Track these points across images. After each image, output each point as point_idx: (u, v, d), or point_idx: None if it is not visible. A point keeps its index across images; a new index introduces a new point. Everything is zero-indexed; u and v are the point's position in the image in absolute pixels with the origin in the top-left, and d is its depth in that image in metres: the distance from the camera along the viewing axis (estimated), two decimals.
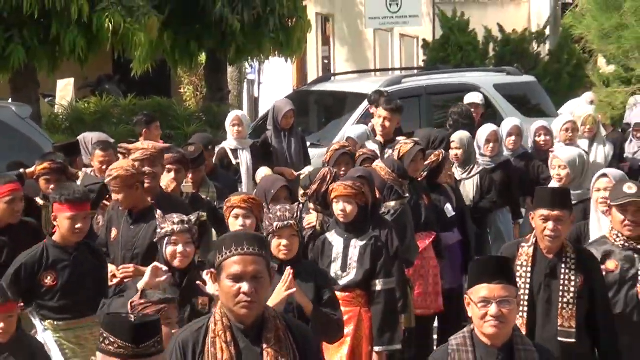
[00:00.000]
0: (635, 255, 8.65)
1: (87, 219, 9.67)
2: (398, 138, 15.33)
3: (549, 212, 8.14)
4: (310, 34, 30.96)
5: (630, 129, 17.95)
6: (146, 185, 11.26)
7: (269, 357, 5.89)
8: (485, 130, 16.06)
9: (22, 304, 9.36)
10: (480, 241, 15.26)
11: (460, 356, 6.11)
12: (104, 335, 5.08)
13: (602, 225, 10.02)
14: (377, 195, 11.78)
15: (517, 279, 6.54)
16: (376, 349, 9.96)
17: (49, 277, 9.43)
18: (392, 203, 11.99)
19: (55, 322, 9.48)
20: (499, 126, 16.89)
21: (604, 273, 8.86)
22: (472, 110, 18.40)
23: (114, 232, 10.74)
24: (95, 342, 8.80)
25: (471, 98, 18.82)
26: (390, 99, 16.33)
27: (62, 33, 22.45)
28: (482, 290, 6.03)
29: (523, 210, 16.23)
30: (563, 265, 7.83)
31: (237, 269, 5.91)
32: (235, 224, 9.66)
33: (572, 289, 8.22)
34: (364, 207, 10.32)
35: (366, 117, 18.34)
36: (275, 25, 26.14)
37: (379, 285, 10.15)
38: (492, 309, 5.94)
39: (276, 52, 27.84)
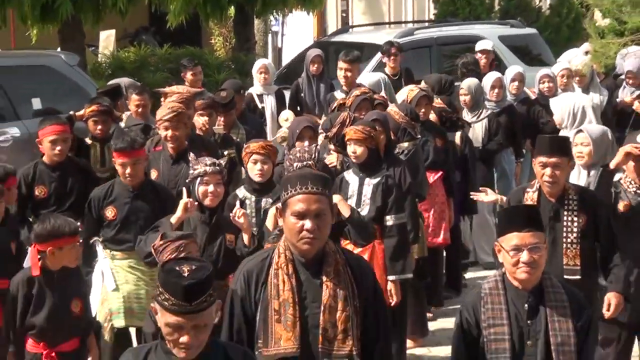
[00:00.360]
0: None
1: (138, 164, 9.72)
2: (408, 86, 14.91)
3: (547, 159, 8.18)
4: None
5: (623, 77, 17.63)
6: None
7: (328, 290, 5.92)
8: (491, 77, 16.10)
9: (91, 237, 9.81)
10: (486, 179, 15.20)
11: (493, 299, 6.10)
12: (160, 290, 5.11)
13: (581, 177, 9.91)
14: (392, 137, 11.80)
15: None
16: (390, 277, 10.01)
17: (110, 211, 9.63)
18: (405, 144, 11.97)
19: (112, 252, 9.70)
20: (503, 74, 16.90)
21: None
22: (484, 56, 18.51)
23: (154, 173, 10.77)
24: (145, 271, 9.71)
25: (482, 45, 18.82)
26: (348, 51, 16.44)
27: None
28: (513, 238, 6.00)
29: (524, 151, 16.41)
30: (565, 207, 7.84)
31: (302, 206, 5.95)
32: (254, 168, 9.78)
33: (574, 229, 8.20)
34: (374, 150, 10.34)
35: (380, 66, 18.32)
36: None
37: (390, 220, 10.23)
38: (524, 255, 5.92)
39: (299, 6, 27.49)
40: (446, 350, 10.90)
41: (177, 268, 5.26)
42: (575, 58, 17.72)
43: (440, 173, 12.99)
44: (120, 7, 22.99)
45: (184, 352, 4.98)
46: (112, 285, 9.43)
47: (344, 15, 35.86)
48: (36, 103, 15.42)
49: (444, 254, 13.71)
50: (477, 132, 15.43)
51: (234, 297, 6.12)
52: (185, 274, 5.02)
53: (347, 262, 6.06)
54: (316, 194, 5.96)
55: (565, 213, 8.32)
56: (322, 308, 5.88)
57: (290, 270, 5.92)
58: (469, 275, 15.18)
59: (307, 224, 5.85)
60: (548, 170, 8.19)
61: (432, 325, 12.52)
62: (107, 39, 27.78)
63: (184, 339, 4.91)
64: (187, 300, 4.91)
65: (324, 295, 5.87)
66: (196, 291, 4.97)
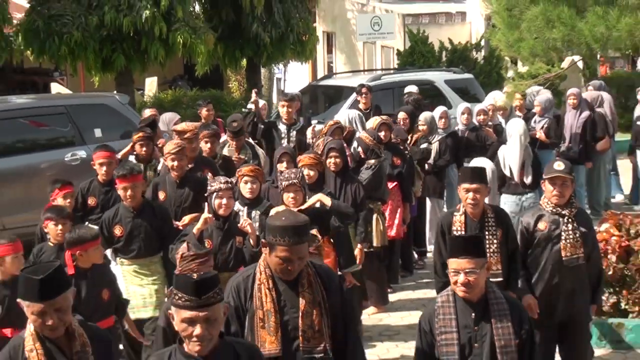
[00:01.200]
0: (560, 219, 8.45)
1: (136, 188, 9.76)
2: (380, 116, 14.65)
3: (469, 185, 8.28)
4: (318, 45, 30.84)
5: (534, 110, 17.68)
6: (190, 154, 11.48)
7: (304, 299, 5.80)
8: (438, 110, 16.25)
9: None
10: (436, 187, 15.50)
11: (444, 311, 5.98)
12: (174, 291, 5.16)
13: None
14: (362, 155, 12.34)
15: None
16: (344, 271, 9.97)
17: (117, 229, 9.75)
18: (372, 160, 12.19)
19: (121, 259, 9.97)
20: (449, 108, 17.25)
21: (537, 232, 8.64)
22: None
23: (162, 195, 10.86)
24: (149, 274, 9.89)
25: (409, 89, 18.52)
26: (287, 93, 16.68)
27: (149, 46, 22.39)
28: (453, 263, 5.93)
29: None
30: (486, 224, 7.70)
31: (286, 255, 5.79)
32: (245, 187, 9.83)
33: (495, 241, 8.29)
34: (321, 173, 10.33)
35: (355, 104, 17.88)
36: (294, 39, 25.94)
37: (336, 223, 10.10)
38: (461, 277, 5.87)
39: (295, 58, 27.77)
40: (401, 314, 12.32)
41: (189, 273, 5.57)
42: (498, 96, 18.09)
43: (395, 183, 13.13)
44: (160, 60, 23.03)
45: (198, 345, 4.95)
46: (122, 291, 9.48)
47: (330, 64, 35.54)
48: (97, 132, 15.57)
49: (400, 243, 13.57)
50: (432, 152, 15.46)
51: (229, 307, 5.77)
52: (195, 276, 5.11)
53: (316, 272, 5.97)
54: (297, 245, 5.77)
55: (487, 228, 8.37)
56: (300, 314, 5.75)
57: (271, 284, 5.82)
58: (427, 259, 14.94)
59: (291, 265, 5.74)
60: (470, 195, 8.29)
61: (391, 297, 12.84)
62: (151, 84, 27.83)
63: (197, 331, 4.90)
64: (197, 295, 4.93)
65: (301, 304, 5.74)
66: (205, 287, 5.01)
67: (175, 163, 10.87)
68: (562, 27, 10.15)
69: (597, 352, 9.80)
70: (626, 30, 9.79)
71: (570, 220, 8.42)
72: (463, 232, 8.25)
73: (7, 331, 7.71)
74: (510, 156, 10.04)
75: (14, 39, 22.62)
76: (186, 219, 10.10)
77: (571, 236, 8.41)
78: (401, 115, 15.59)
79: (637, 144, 17.03)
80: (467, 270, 5.79)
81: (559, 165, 8.39)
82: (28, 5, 23.21)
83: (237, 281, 6.26)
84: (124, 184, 9.65)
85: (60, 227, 7.86)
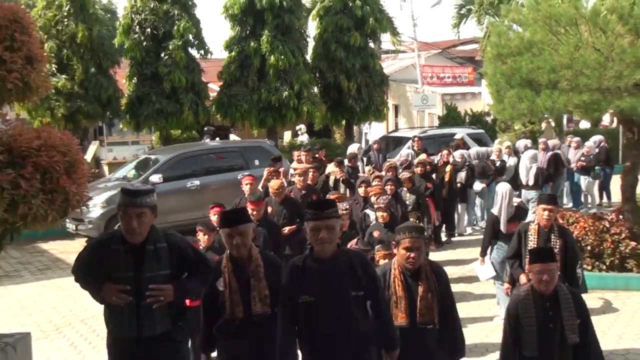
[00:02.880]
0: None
1: (259, 210, 8.14)
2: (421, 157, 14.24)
3: (546, 206, 7.17)
4: (389, 112, 30.43)
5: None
6: (301, 184, 10.41)
7: (423, 287, 5.04)
8: (473, 150, 16.03)
9: None
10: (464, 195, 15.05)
11: (526, 301, 5.24)
12: (307, 211, 4.79)
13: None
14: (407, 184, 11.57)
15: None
16: None
17: None
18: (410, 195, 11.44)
19: None
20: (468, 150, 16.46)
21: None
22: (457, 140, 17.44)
23: (270, 209, 9.00)
24: None
25: (457, 136, 17.99)
26: (310, 148, 14.89)
27: (287, 112, 22.48)
28: (537, 267, 5.18)
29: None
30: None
31: (407, 245, 5.15)
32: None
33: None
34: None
35: (409, 148, 17.33)
36: (374, 109, 25.30)
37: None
38: (544, 277, 5.10)
39: (375, 120, 27.26)
40: None
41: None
42: (497, 144, 18.08)
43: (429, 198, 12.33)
44: (293, 121, 23.41)
45: (321, 246, 4.51)
46: None
47: (397, 123, 33.83)
48: (256, 162, 15.67)
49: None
50: (462, 175, 14.78)
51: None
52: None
53: (431, 268, 5.26)
54: (415, 239, 5.08)
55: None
56: (419, 297, 5.04)
57: (402, 278, 5.13)
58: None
59: (413, 253, 5.04)
60: (546, 213, 7.17)
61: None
62: (287, 135, 28.11)
63: (321, 234, 4.47)
64: (320, 209, 4.54)
65: (420, 290, 5.04)
66: (326, 205, 4.65)
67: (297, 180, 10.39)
68: (527, 102, 10.24)
69: None
70: (562, 104, 10.01)
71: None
72: (537, 238, 7.20)
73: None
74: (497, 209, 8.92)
75: (210, 108, 23.14)
76: (286, 229, 9.04)
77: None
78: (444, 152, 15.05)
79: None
80: (549, 271, 5.12)
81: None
82: (218, 89, 23.74)
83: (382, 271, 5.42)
84: (251, 207, 8.06)
85: (206, 237, 7.32)
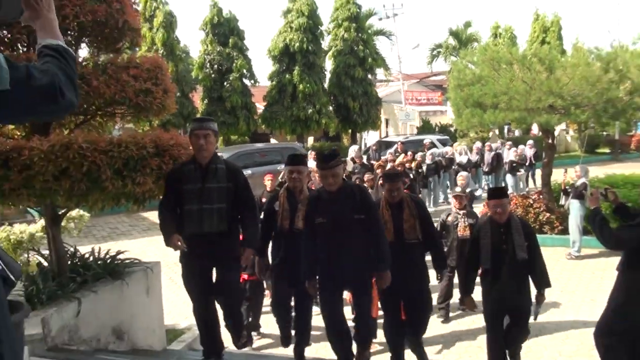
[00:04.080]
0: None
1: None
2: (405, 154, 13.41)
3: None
4: (382, 123, 28.63)
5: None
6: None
7: (406, 212, 4.59)
8: (436, 150, 15.00)
9: None
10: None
11: (485, 227, 4.60)
12: (316, 160, 4.39)
13: None
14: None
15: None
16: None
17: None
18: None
19: None
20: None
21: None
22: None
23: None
24: None
25: (426, 140, 16.83)
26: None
27: (311, 124, 22.28)
28: (492, 202, 4.53)
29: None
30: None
31: (387, 187, 4.72)
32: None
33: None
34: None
35: (396, 149, 15.84)
36: (372, 121, 24.62)
37: None
38: (498, 209, 4.49)
39: (372, 129, 26.23)
40: None
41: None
42: (456, 146, 17.57)
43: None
44: (314, 129, 22.98)
45: (331, 185, 4.11)
46: None
47: (387, 131, 31.29)
48: None
49: None
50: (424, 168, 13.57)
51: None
52: (325, 152, 4.32)
53: (412, 199, 4.67)
54: (393, 182, 4.69)
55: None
56: (404, 221, 4.54)
57: (387, 208, 4.58)
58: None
59: (395, 192, 4.62)
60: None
61: None
62: (310, 140, 27.70)
63: (329, 180, 4.06)
64: (325, 162, 4.10)
65: (405, 214, 4.53)
66: (330, 157, 4.15)
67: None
68: (478, 117, 10.33)
69: None
70: (501, 119, 10.20)
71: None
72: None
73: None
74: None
75: (257, 121, 23.10)
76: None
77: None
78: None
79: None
80: (501, 204, 4.52)
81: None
82: (263, 107, 23.71)
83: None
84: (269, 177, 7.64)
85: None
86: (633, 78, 10.32)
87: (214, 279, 4.20)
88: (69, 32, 4.10)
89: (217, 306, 4.30)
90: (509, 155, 15.71)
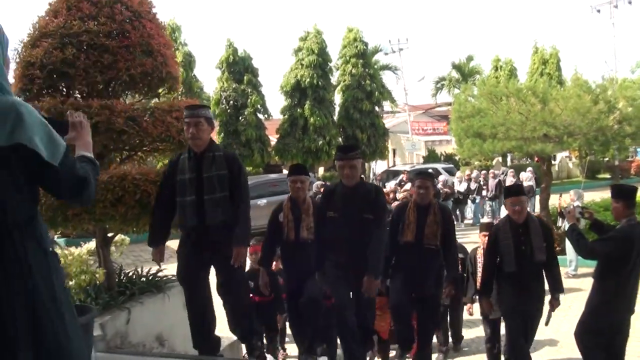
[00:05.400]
0: None
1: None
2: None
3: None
4: (389, 153, 28.93)
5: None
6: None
7: (430, 218, 4.41)
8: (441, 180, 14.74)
9: None
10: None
11: (504, 228, 4.43)
12: (337, 153, 4.24)
13: None
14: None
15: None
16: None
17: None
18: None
19: None
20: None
21: None
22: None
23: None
24: None
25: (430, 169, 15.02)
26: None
27: (321, 155, 22.71)
28: (511, 200, 4.42)
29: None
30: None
31: (418, 184, 4.55)
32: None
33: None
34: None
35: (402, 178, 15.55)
36: (379, 151, 24.86)
37: None
38: (516, 207, 4.38)
39: (380, 158, 26.48)
40: None
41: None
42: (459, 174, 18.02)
43: None
44: (325, 159, 23.49)
45: (348, 178, 4.03)
46: None
47: (395, 160, 31.62)
48: None
49: None
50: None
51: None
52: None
53: (439, 207, 4.50)
54: (424, 179, 4.52)
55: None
56: (426, 226, 4.35)
57: (414, 209, 4.41)
58: None
59: (424, 191, 4.46)
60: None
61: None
62: (318, 170, 27.59)
63: (346, 171, 4.00)
64: (345, 152, 4.09)
65: (428, 219, 4.35)
66: (349, 149, 4.17)
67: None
68: (478, 147, 10.71)
69: None
70: (500, 148, 10.50)
71: None
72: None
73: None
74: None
75: (271, 153, 23.39)
76: None
77: None
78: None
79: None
80: (520, 202, 4.42)
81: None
82: (276, 140, 23.96)
83: (397, 208, 4.86)
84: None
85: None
86: (621, 108, 10.86)
87: (209, 277, 3.97)
88: (121, 82, 4.57)
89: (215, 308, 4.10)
90: (510, 182, 15.91)
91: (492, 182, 16.36)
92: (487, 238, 4.84)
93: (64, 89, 4.66)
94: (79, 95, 4.75)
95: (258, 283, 4.65)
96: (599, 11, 29.98)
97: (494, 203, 16.47)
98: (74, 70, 4.44)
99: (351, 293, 4.10)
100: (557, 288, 4.48)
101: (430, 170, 4.26)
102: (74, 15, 4.62)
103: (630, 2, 29.28)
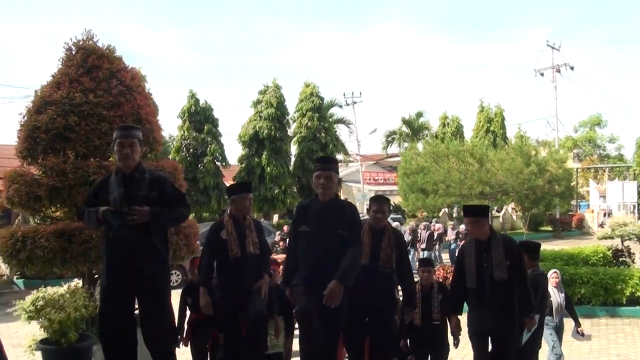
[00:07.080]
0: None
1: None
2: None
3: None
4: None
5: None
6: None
7: (384, 242, 4.24)
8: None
9: None
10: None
11: (470, 247, 4.31)
12: (315, 164, 4.15)
13: None
14: None
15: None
16: None
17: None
18: None
19: None
20: None
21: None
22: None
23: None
24: None
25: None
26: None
27: (277, 203, 22.96)
28: (468, 219, 4.36)
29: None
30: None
31: (374, 208, 4.37)
32: None
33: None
34: None
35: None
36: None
37: None
38: (474, 227, 4.27)
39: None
40: None
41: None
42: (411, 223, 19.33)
43: None
44: (282, 206, 23.81)
45: (322, 189, 3.89)
46: None
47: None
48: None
49: None
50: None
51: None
52: (321, 154, 4.44)
53: (392, 231, 4.33)
54: (381, 204, 4.37)
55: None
56: (382, 249, 4.24)
57: (369, 232, 4.23)
58: None
59: (380, 215, 4.33)
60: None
61: None
62: (276, 216, 27.58)
63: (321, 181, 3.90)
64: (323, 163, 4.00)
65: (383, 243, 4.23)
66: (326, 160, 4.07)
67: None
68: (421, 201, 11.80)
69: None
70: (441, 203, 11.58)
71: None
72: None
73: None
74: None
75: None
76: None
77: None
78: None
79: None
80: (475, 222, 4.33)
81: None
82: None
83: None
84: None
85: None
86: (551, 170, 12.20)
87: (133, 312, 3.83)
88: (109, 147, 5.03)
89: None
90: (451, 235, 16.80)
91: (424, 234, 17.01)
92: (424, 273, 5.05)
93: (64, 150, 5.41)
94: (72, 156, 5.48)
95: (197, 299, 4.34)
96: (542, 75, 31.71)
97: (429, 253, 17.13)
98: (75, 135, 5.19)
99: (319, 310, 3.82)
100: (526, 309, 4.34)
101: (386, 197, 4.09)
102: (76, 87, 5.37)
103: (572, 68, 31.46)
